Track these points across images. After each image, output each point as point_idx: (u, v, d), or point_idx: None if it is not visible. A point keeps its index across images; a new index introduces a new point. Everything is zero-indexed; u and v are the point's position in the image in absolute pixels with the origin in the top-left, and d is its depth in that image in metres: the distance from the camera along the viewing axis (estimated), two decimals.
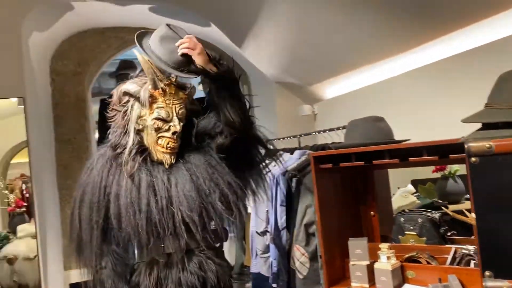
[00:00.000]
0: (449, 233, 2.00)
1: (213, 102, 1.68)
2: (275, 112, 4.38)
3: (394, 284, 1.76)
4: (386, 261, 1.81)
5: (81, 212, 1.71)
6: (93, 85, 4.60)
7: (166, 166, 1.66)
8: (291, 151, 3.01)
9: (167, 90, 1.66)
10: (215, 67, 1.63)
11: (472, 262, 1.71)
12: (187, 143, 1.73)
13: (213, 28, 4.08)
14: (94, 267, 1.70)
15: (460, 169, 2.28)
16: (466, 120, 1.29)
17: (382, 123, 1.94)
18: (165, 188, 1.62)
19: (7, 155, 3.69)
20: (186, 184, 1.62)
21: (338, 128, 2.44)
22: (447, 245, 1.91)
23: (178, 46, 1.66)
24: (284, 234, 2.61)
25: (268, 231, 2.81)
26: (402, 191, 2.67)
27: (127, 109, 1.67)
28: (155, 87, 1.64)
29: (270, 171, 1.97)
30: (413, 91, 2.73)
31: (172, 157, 1.67)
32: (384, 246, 1.84)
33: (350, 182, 2.15)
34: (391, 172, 2.35)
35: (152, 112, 1.65)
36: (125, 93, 1.67)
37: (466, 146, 1.14)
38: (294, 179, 2.51)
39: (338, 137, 2.65)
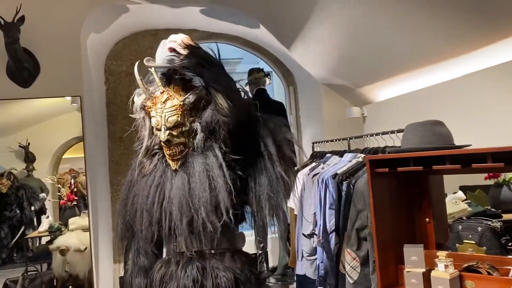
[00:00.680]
0: (510, 244, 1.92)
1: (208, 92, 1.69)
2: (322, 114, 4.35)
3: None
4: (444, 269, 1.76)
5: (119, 208, 1.89)
6: None
7: (173, 169, 1.71)
8: (340, 153, 2.98)
9: (157, 99, 1.70)
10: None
11: None
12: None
13: (261, 29, 4.10)
14: (124, 260, 1.85)
15: None
16: None
17: (442, 127, 1.88)
18: (169, 190, 1.68)
19: (58, 150, 3.83)
20: (182, 188, 1.65)
21: (392, 132, 2.39)
22: (509, 256, 1.83)
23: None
24: (332, 238, 2.58)
25: (316, 234, 2.79)
26: (452, 198, 2.58)
27: (139, 118, 1.80)
28: (148, 97, 1.73)
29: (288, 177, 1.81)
30: (473, 94, 2.64)
31: (175, 163, 1.70)
32: (442, 254, 1.79)
33: (405, 187, 2.10)
34: None
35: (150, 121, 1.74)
36: (133, 102, 1.80)
37: None
38: (344, 183, 2.48)
39: (384, 141, 2.59)
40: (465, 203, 2.54)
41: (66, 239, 3.66)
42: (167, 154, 1.71)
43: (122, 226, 1.86)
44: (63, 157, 3.88)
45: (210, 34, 4.51)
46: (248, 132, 1.69)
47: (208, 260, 1.70)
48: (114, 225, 4.13)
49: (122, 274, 3.94)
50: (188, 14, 4.00)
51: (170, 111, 1.67)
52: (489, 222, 1.93)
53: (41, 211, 3.84)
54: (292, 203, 3.27)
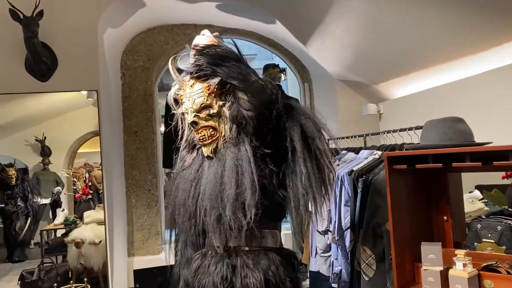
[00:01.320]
0: None
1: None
2: (337, 111, 4.32)
3: None
4: (462, 268, 1.73)
5: (166, 200, 1.95)
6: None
7: (207, 156, 1.71)
8: (356, 150, 2.95)
9: (186, 85, 1.74)
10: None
11: None
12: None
13: (277, 25, 4.08)
14: (174, 252, 1.89)
15: None
16: None
17: (462, 124, 1.85)
18: (204, 184, 1.68)
19: (74, 145, 3.88)
20: (213, 183, 1.64)
21: (410, 129, 2.36)
22: None
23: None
24: (348, 235, 2.56)
25: (330, 231, 2.78)
26: (468, 197, 2.55)
27: (177, 113, 1.83)
28: (180, 85, 1.77)
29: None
30: (492, 92, 2.59)
31: (206, 148, 1.70)
32: (460, 252, 1.76)
33: (423, 184, 2.08)
34: None
35: None
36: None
37: None
38: (360, 179, 2.46)
39: (402, 138, 2.55)
40: (482, 202, 2.50)
41: (81, 232, 3.73)
42: (198, 139, 1.72)
43: (169, 217, 1.87)
44: (78, 151, 3.94)
45: (226, 30, 4.51)
46: (274, 125, 1.65)
47: (240, 257, 1.66)
48: (128, 219, 4.17)
49: (136, 267, 3.99)
50: (204, 9, 4.00)
51: (197, 94, 1.69)
52: (509, 221, 1.89)
53: (57, 204, 3.90)
54: None
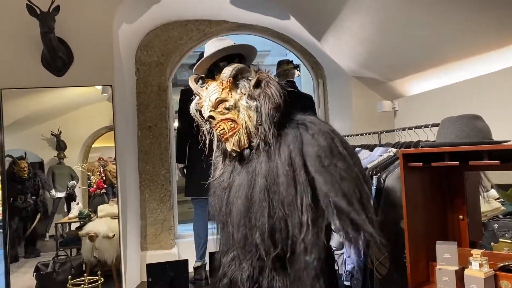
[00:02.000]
0: None
1: None
2: (351, 107, 4.29)
3: None
4: (478, 268, 1.71)
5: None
6: None
7: (233, 154, 1.71)
8: (370, 147, 2.93)
9: (202, 91, 1.78)
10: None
11: None
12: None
13: (292, 21, 4.06)
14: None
15: None
16: None
17: (480, 122, 1.81)
18: (233, 193, 1.69)
19: (88, 139, 3.90)
20: (242, 197, 1.63)
21: (426, 126, 2.32)
22: None
23: None
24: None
25: None
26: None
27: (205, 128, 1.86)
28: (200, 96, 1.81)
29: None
30: (510, 89, 2.54)
31: (229, 143, 1.68)
32: (476, 252, 1.73)
33: (439, 182, 2.05)
34: None
35: None
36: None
37: None
38: (375, 177, 2.43)
39: (417, 135, 2.52)
40: (498, 201, 2.46)
41: (95, 226, 3.75)
42: (219, 136, 1.73)
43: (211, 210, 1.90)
44: (93, 146, 3.97)
45: (239, 25, 4.49)
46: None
47: (269, 266, 1.62)
48: (142, 213, 4.20)
49: (148, 261, 4.02)
50: (218, 5, 3.99)
51: (212, 92, 1.72)
52: None
53: (71, 197, 3.93)
54: None
